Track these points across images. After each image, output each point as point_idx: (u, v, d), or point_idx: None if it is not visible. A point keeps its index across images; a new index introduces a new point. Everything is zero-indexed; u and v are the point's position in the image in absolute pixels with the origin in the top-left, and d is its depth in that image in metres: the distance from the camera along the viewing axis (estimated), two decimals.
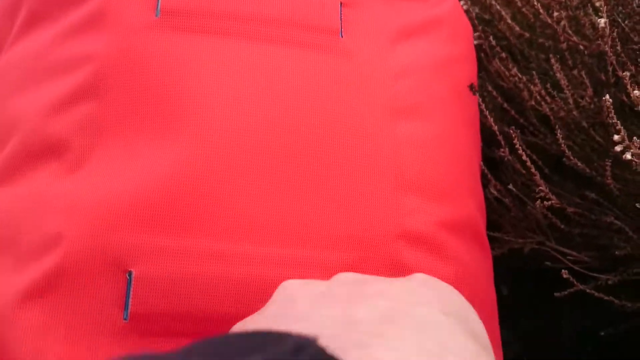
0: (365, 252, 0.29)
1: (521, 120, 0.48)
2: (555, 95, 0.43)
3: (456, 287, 0.31)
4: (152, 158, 0.29)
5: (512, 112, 0.47)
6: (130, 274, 0.27)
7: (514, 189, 0.42)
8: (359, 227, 0.29)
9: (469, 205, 0.35)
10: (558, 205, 0.41)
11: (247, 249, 0.28)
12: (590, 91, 0.42)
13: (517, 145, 0.40)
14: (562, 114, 0.43)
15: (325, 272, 0.28)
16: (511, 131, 0.40)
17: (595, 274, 0.44)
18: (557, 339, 0.51)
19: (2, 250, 0.29)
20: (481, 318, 0.33)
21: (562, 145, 0.40)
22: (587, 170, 0.41)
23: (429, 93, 0.35)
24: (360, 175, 0.30)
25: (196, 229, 0.28)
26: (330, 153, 0.30)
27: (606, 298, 0.42)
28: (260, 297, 0.27)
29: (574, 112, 0.42)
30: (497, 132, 0.43)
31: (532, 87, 0.43)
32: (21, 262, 0.28)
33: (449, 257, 0.31)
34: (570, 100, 0.42)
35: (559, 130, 0.40)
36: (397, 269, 0.29)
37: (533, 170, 0.40)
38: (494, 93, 0.47)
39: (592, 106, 0.42)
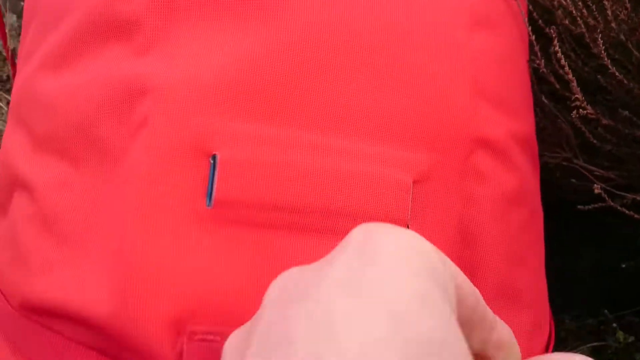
0: (442, 155, 0.29)
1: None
2: (593, 10, 0.43)
3: (519, 201, 0.32)
4: (236, 43, 0.27)
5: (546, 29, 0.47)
6: (214, 157, 0.26)
7: (546, 101, 0.42)
8: (439, 129, 0.29)
9: (530, 121, 0.36)
10: (592, 116, 0.41)
11: (334, 141, 0.28)
12: (628, 5, 0.42)
13: (556, 48, 0.40)
14: (598, 29, 0.43)
15: (403, 170, 0.28)
16: (552, 31, 0.40)
17: (621, 193, 0.44)
18: (575, 274, 0.51)
19: (72, 138, 0.28)
20: (536, 236, 0.34)
21: (602, 53, 0.40)
22: (625, 81, 0.41)
23: (497, 6, 0.35)
24: (441, 79, 0.30)
25: (284, 117, 0.27)
26: (413, 54, 0.30)
27: (636, 216, 0.42)
28: (344, 191, 0.27)
29: (612, 24, 0.42)
30: (535, 43, 0.42)
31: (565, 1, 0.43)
32: (102, 150, 0.27)
33: (516, 168, 0.32)
34: (609, 12, 0.42)
35: (600, 41, 0.40)
36: (470, 175, 0.30)
37: (570, 76, 0.40)
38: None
39: (629, 21, 0.42)
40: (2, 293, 0.29)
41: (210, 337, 0.25)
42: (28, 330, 0.27)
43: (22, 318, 0.28)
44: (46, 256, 0.27)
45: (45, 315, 0.27)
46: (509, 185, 0.31)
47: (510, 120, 0.33)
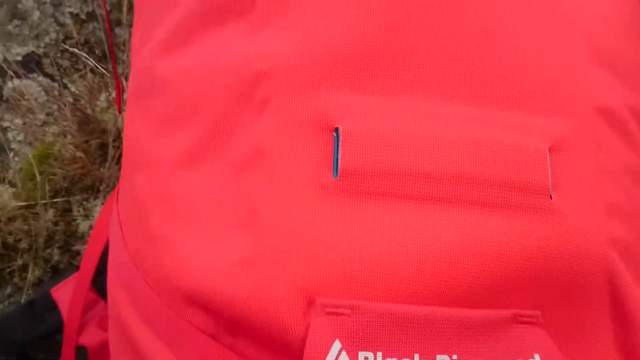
0: (571, 123, 0.28)
1: None
2: None
3: (635, 181, 0.29)
4: (349, 15, 0.27)
5: None
6: (337, 130, 0.26)
7: None
8: (563, 95, 0.28)
9: None
10: None
11: (461, 109, 0.27)
12: None
13: None
14: None
15: (537, 137, 0.27)
16: None
17: None
18: None
19: (193, 119, 0.28)
20: None
21: None
22: None
23: None
24: (556, 45, 0.29)
25: (405, 88, 0.27)
26: (527, 18, 0.29)
27: None
28: (476, 158, 0.26)
29: None
30: None
31: None
32: (220, 131, 0.28)
33: (635, 144, 0.30)
34: None
35: None
36: (599, 146, 0.28)
37: None
38: None
39: None
40: (144, 279, 0.30)
41: (340, 310, 0.24)
42: (176, 328, 0.28)
43: (161, 305, 0.29)
44: (177, 237, 0.28)
45: (180, 300, 0.28)
46: (628, 161, 0.29)
47: (630, 90, 0.30)
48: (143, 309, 0.31)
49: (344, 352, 0.24)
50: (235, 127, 0.28)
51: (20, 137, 0.72)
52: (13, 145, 0.71)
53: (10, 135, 0.72)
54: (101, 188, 0.67)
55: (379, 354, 0.24)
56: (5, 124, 0.72)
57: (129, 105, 0.35)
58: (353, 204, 0.25)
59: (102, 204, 0.66)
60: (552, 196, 0.26)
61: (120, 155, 0.67)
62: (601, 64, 0.29)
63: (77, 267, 0.60)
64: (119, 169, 0.66)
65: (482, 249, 0.26)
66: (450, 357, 0.25)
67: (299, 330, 0.25)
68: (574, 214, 0.27)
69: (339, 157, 0.25)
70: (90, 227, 0.65)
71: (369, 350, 0.24)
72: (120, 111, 0.64)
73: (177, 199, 0.29)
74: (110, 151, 0.67)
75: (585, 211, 0.27)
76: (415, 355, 0.25)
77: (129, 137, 0.34)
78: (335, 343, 0.24)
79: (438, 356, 0.25)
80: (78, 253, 0.65)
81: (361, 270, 0.25)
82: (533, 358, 0.25)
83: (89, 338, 0.52)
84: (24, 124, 0.72)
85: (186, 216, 0.29)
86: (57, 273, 0.65)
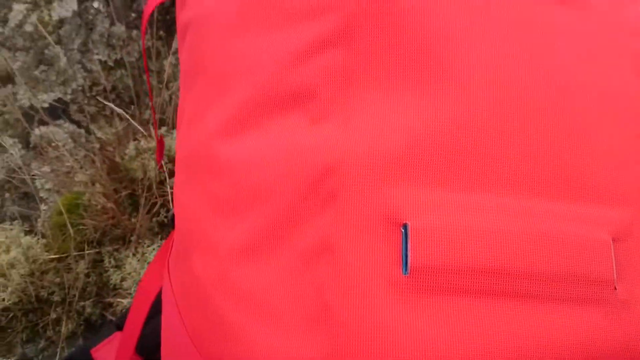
0: (632, 212, 0.28)
1: None
2: None
3: None
4: (415, 110, 0.27)
5: None
6: (405, 226, 0.26)
7: None
8: (624, 185, 0.28)
9: None
10: None
11: (528, 203, 0.27)
12: None
13: None
14: None
15: (601, 228, 0.27)
16: None
17: None
18: None
19: (254, 209, 0.28)
20: None
21: None
22: None
23: None
24: (617, 132, 0.29)
25: (471, 182, 0.27)
26: (587, 108, 0.29)
27: None
28: (546, 253, 0.26)
29: None
30: None
31: None
32: (284, 223, 0.28)
33: None
34: None
35: None
36: None
37: None
38: None
39: None
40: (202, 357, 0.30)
41: None
42: None
43: None
44: (248, 328, 0.28)
45: None
46: None
47: None
48: None
49: None
50: (300, 220, 0.28)
51: (49, 186, 0.72)
52: (42, 194, 0.71)
53: (38, 183, 0.72)
54: (132, 239, 0.67)
55: None
56: (33, 172, 0.72)
57: (179, 181, 0.35)
58: (424, 302, 0.25)
59: (133, 254, 0.66)
60: (617, 287, 0.26)
61: (151, 206, 0.67)
62: None
63: (111, 321, 0.60)
64: (150, 219, 0.67)
65: (555, 344, 0.26)
66: None
67: None
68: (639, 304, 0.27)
69: (408, 254, 0.25)
70: (122, 279, 0.65)
71: None
72: (160, 167, 0.64)
73: (242, 288, 0.29)
74: (142, 202, 0.67)
75: None
76: None
77: (185, 213, 0.34)
78: None
79: None
80: (110, 305, 0.65)
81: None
82: None
83: None
84: (52, 171, 0.72)
85: (256, 307, 0.28)
86: (90, 325, 0.65)
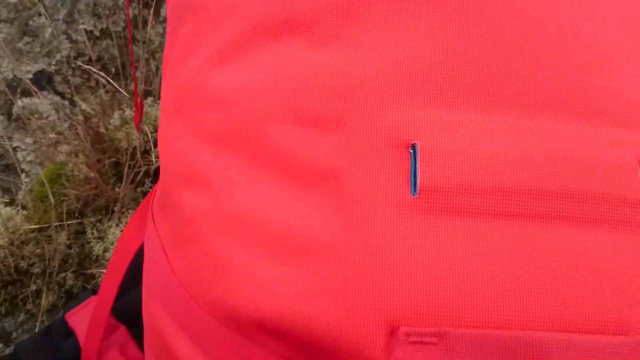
0: None
1: None
2: None
3: None
4: (421, 30, 0.26)
5: None
6: (414, 147, 0.25)
7: None
8: None
9: None
10: None
11: (544, 124, 0.26)
12: None
13: None
14: None
15: (628, 151, 0.26)
16: None
17: None
18: None
19: (249, 137, 0.28)
20: None
21: None
22: None
23: None
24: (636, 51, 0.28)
25: (486, 103, 0.26)
26: (608, 33, 0.28)
27: None
28: (567, 173, 0.25)
29: None
30: None
31: None
32: (281, 149, 0.27)
33: None
34: None
35: None
36: None
37: None
38: None
39: None
40: (195, 301, 0.29)
41: (426, 339, 0.23)
42: (226, 342, 0.27)
43: (219, 328, 0.27)
44: (243, 261, 0.27)
45: (243, 326, 0.26)
46: None
47: None
48: (196, 334, 0.30)
49: None
50: (302, 150, 0.26)
51: (31, 157, 0.70)
52: (23, 166, 0.69)
53: (20, 155, 0.70)
54: (115, 209, 0.65)
55: None
56: (15, 144, 0.70)
57: (165, 122, 0.33)
58: (434, 223, 0.24)
59: (117, 225, 0.64)
60: None
61: (135, 175, 0.65)
62: None
63: (92, 291, 0.58)
64: (134, 189, 0.64)
65: (579, 267, 0.24)
66: None
67: (380, 358, 0.23)
68: None
69: (417, 174, 0.24)
70: (105, 250, 0.63)
71: None
72: (138, 130, 0.62)
73: (238, 222, 0.27)
74: (125, 171, 0.65)
75: None
76: None
77: (171, 152, 0.32)
78: None
79: None
80: (92, 276, 0.62)
81: (447, 295, 0.24)
82: None
83: None
84: (35, 143, 0.70)
85: (253, 238, 0.27)
86: (71, 298, 0.63)
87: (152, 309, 0.33)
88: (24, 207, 0.66)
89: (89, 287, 0.62)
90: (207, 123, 0.30)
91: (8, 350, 0.60)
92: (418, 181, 0.24)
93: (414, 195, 0.24)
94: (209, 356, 0.28)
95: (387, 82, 0.26)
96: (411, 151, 0.25)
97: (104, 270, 0.61)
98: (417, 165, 0.24)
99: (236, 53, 0.29)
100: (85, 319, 0.53)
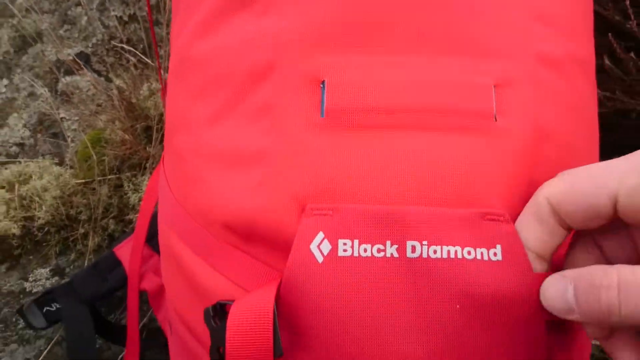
0: (513, 65, 0.34)
1: None
2: None
3: (573, 115, 0.35)
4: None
5: None
6: (323, 82, 0.33)
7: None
8: (507, 43, 0.34)
9: (590, 46, 0.39)
10: None
11: (421, 59, 0.33)
12: None
13: None
14: None
15: (486, 76, 0.33)
16: None
17: None
18: None
19: (218, 87, 0.37)
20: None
21: None
22: None
23: None
24: (504, 5, 0.35)
25: (376, 47, 0.33)
26: None
27: None
28: (437, 94, 0.32)
29: None
30: None
31: None
32: (238, 93, 0.36)
33: (572, 83, 0.36)
34: None
35: None
36: (538, 83, 0.34)
37: None
38: None
39: None
40: (189, 215, 0.39)
41: (324, 211, 0.32)
42: (215, 246, 0.37)
43: (208, 235, 0.37)
44: (209, 178, 0.37)
45: (219, 226, 0.36)
46: (571, 100, 0.35)
47: (570, 41, 0.36)
48: (186, 235, 0.40)
49: (326, 240, 0.31)
50: (249, 90, 0.36)
51: (75, 126, 0.82)
52: (69, 133, 0.81)
53: (66, 124, 0.82)
54: (147, 165, 0.76)
55: (356, 241, 0.31)
56: (62, 115, 0.82)
57: (170, 83, 0.44)
58: (335, 135, 0.33)
59: (149, 178, 0.75)
60: (497, 119, 0.32)
61: (162, 137, 0.77)
62: (542, 20, 0.36)
63: (131, 233, 0.70)
64: (162, 149, 0.76)
65: (445, 168, 0.32)
66: (420, 242, 0.31)
67: (294, 230, 0.32)
68: (515, 133, 0.33)
69: (325, 102, 0.33)
70: (140, 199, 0.74)
71: (347, 238, 0.31)
72: (164, 99, 0.74)
73: (207, 149, 0.38)
74: (154, 133, 0.76)
75: (523, 132, 0.33)
76: (387, 241, 0.31)
77: (169, 108, 0.43)
78: (319, 234, 0.32)
79: (408, 242, 0.31)
80: (130, 222, 0.74)
81: (342, 181, 0.32)
82: (495, 247, 0.31)
83: (149, 283, 0.61)
84: (77, 113, 0.82)
85: (215, 161, 0.37)
86: (112, 240, 0.74)
87: (163, 230, 0.45)
88: (71, 167, 0.78)
89: (127, 230, 0.74)
90: (194, 81, 0.40)
91: (63, 282, 0.72)
92: (325, 107, 0.33)
93: (322, 117, 0.33)
94: (206, 262, 0.38)
95: (307, 37, 0.34)
96: (321, 86, 0.34)
97: None
98: (324, 95, 0.33)
99: (207, 28, 0.39)
100: (127, 250, 0.64)
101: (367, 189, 0.33)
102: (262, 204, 0.34)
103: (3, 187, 0.75)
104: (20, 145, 0.81)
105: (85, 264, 0.73)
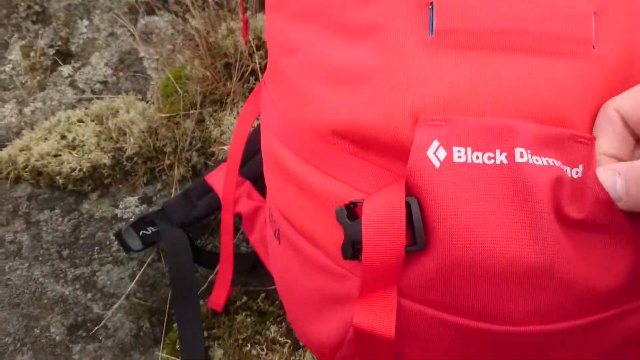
0: None
1: None
2: None
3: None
4: None
5: None
6: (432, 4, 0.36)
7: None
8: None
9: None
10: None
11: None
12: None
13: None
14: None
15: (592, 4, 0.35)
16: None
17: None
18: None
19: (322, 9, 0.40)
20: None
21: None
22: None
23: None
24: None
25: None
26: None
27: None
28: (536, 17, 0.35)
29: None
30: None
31: None
32: (343, 15, 0.39)
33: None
34: None
35: None
36: (632, 15, 0.36)
37: None
38: None
39: None
40: (292, 123, 0.42)
41: (437, 122, 0.34)
42: (329, 154, 0.40)
43: (322, 143, 0.40)
44: (322, 92, 0.40)
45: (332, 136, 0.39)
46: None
47: None
48: (298, 146, 0.43)
49: (441, 147, 0.34)
50: (353, 12, 0.39)
51: (155, 65, 0.85)
52: (149, 72, 0.85)
53: (146, 63, 0.85)
54: (228, 101, 0.79)
55: (469, 149, 0.34)
56: (141, 55, 0.86)
57: (268, 15, 0.47)
58: (444, 52, 0.35)
59: (229, 113, 0.78)
60: (595, 46, 0.34)
61: (242, 74, 0.79)
62: None
63: (213, 167, 0.73)
64: (242, 85, 0.79)
65: (544, 84, 0.35)
66: (526, 150, 0.34)
67: (410, 138, 0.35)
68: (610, 60, 0.35)
69: (434, 21, 0.35)
70: (221, 133, 0.77)
71: (460, 146, 0.34)
72: (245, 42, 0.76)
73: (315, 67, 0.41)
74: (234, 71, 0.79)
75: (617, 59, 0.35)
76: (496, 150, 0.34)
77: (271, 34, 0.46)
78: (434, 142, 0.35)
79: (516, 149, 0.34)
80: (212, 154, 0.78)
81: (453, 97, 0.35)
82: (577, 167, 0.34)
83: (243, 206, 0.65)
84: (157, 52, 0.85)
85: (324, 78, 0.41)
86: (196, 172, 0.78)
87: (266, 138, 0.48)
88: (154, 103, 0.82)
89: (209, 162, 0.78)
90: (293, 8, 0.43)
91: (151, 210, 0.76)
92: (434, 26, 0.36)
93: (431, 35, 0.36)
94: (320, 169, 0.42)
95: None
96: (430, 7, 0.36)
97: (222, 148, 0.76)
98: (433, 16, 0.36)
99: None
100: (220, 177, 0.68)
101: (476, 105, 0.35)
102: (375, 116, 0.37)
103: (93, 121, 0.79)
104: (104, 82, 0.85)
105: (172, 194, 0.77)
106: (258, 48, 0.80)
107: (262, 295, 0.68)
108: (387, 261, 0.35)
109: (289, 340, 0.60)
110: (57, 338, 0.67)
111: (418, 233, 0.34)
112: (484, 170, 0.34)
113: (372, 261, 0.35)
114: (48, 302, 0.70)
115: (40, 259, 0.73)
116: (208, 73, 0.79)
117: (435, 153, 0.34)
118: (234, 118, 0.77)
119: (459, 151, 0.34)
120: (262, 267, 0.71)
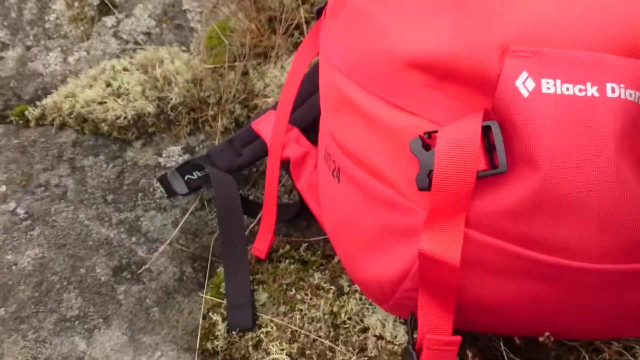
0: None
1: None
2: None
3: None
4: None
5: None
6: None
7: None
8: None
9: None
10: None
11: None
12: None
13: None
14: None
15: None
16: None
17: None
18: None
19: None
20: None
21: None
22: None
23: None
24: None
25: None
26: None
27: None
28: None
29: None
30: None
31: None
32: None
33: None
34: None
35: None
36: None
37: None
38: None
39: None
40: (370, 58, 0.43)
41: (526, 53, 0.34)
42: (403, 87, 0.40)
43: (396, 76, 0.40)
44: (391, 23, 0.41)
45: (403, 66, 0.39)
46: None
47: None
48: (364, 79, 0.44)
49: (530, 78, 0.34)
50: None
51: (198, 17, 0.85)
52: (192, 24, 0.85)
53: (189, 15, 0.85)
54: (272, 54, 0.79)
55: (558, 81, 0.34)
56: (185, 7, 0.86)
57: None
58: None
59: (273, 67, 0.78)
60: None
61: (287, 28, 0.79)
62: None
63: (258, 115, 0.73)
64: (286, 39, 0.79)
65: (635, 17, 0.35)
66: (618, 85, 0.34)
67: (497, 69, 0.35)
68: None
69: None
70: (265, 86, 0.78)
71: (549, 78, 0.34)
72: None
73: (392, 3, 0.42)
74: (279, 23, 0.79)
75: None
76: (587, 82, 0.34)
77: None
78: (522, 73, 0.35)
79: (607, 83, 0.34)
80: (256, 107, 0.78)
81: (542, 28, 0.36)
82: None
83: (292, 152, 0.65)
84: (200, 6, 0.85)
85: (403, 13, 0.41)
86: (238, 124, 0.78)
87: (329, 76, 0.49)
88: (197, 54, 0.82)
89: (252, 115, 0.78)
90: None
91: (200, 155, 0.77)
92: None
93: None
94: (391, 104, 0.42)
95: None
96: None
97: (266, 100, 0.76)
98: None
99: None
100: (267, 124, 0.68)
101: (566, 35, 0.35)
102: (461, 47, 0.37)
103: (137, 70, 0.80)
104: (147, 34, 0.85)
105: (217, 143, 0.78)
106: (304, 2, 0.80)
107: (304, 245, 0.69)
108: (458, 185, 0.35)
109: (333, 287, 0.61)
110: (103, 278, 0.68)
111: (500, 155, 0.34)
112: (574, 102, 0.34)
113: (443, 186, 0.36)
114: (93, 244, 0.71)
115: (85, 202, 0.74)
116: (253, 25, 0.79)
117: (524, 83, 0.34)
118: (278, 71, 0.78)
119: (547, 82, 0.34)
120: (303, 219, 0.71)
